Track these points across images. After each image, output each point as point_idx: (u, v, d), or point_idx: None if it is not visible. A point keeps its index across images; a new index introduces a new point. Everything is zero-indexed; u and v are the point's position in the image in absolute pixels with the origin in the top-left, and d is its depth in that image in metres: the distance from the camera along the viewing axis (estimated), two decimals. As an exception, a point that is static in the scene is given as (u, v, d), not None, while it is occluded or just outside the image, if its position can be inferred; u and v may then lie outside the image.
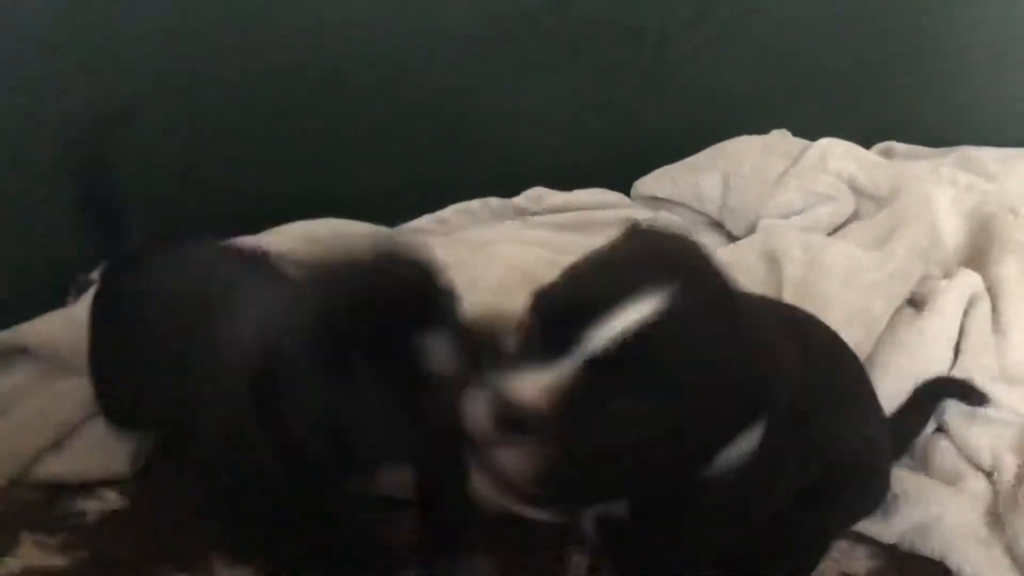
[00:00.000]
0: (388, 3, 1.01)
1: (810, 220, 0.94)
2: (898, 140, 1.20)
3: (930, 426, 0.77)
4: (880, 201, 0.93)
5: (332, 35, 1.01)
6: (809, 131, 1.18)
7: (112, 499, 0.72)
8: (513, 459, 0.44)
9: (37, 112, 0.90)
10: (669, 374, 0.43)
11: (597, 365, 0.43)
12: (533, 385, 0.43)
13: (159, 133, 0.95)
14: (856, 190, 0.96)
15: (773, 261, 0.87)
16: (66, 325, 0.81)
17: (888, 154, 1.17)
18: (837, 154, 0.97)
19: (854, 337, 0.77)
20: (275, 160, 1.04)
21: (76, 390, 0.76)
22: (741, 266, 0.89)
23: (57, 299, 0.91)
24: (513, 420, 0.44)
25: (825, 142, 0.99)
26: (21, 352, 0.81)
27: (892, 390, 0.76)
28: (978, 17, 1.16)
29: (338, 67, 1.03)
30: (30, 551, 0.68)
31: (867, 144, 1.20)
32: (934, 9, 1.15)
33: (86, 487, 0.72)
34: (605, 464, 0.45)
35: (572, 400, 0.43)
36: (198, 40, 0.96)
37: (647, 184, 1.10)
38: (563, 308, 0.46)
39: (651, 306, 0.43)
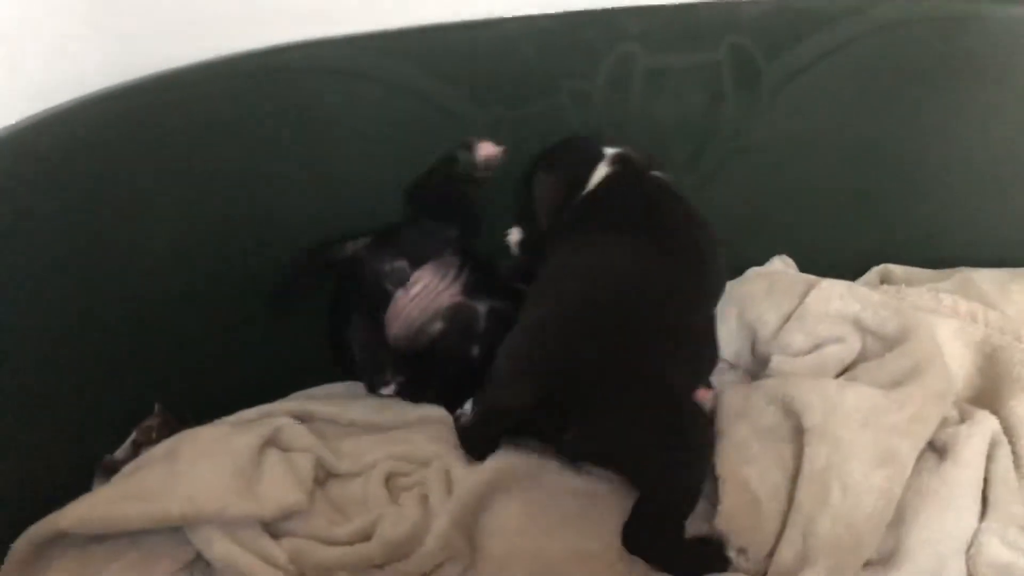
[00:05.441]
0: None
1: (818, 360, 0.95)
2: (896, 261, 1.22)
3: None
4: (887, 340, 0.94)
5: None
6: (808, 255, 1.21)
7: None
8: None
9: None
10: None
11: None
12: None
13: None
14: (861, 328, 0.97)
15: (789, 409, 0.88)
16: (101, 502, 0.82)
17: (887, 278, 1.19)
18: (837, 295, 0.99)
19: (886, 480, 0.78)
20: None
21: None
22: (753, 410, 0.90)
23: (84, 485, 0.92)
24: None
25: (825, 284, 1.01)
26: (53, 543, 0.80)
27: (924, 540, 0.76)
28: (970, 143, 1.19)
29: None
30: None
31: (865, 266, 1.23)
32: (927, 130, 1.17)
33: None
34: None
35: None
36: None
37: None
38: None
39: None
